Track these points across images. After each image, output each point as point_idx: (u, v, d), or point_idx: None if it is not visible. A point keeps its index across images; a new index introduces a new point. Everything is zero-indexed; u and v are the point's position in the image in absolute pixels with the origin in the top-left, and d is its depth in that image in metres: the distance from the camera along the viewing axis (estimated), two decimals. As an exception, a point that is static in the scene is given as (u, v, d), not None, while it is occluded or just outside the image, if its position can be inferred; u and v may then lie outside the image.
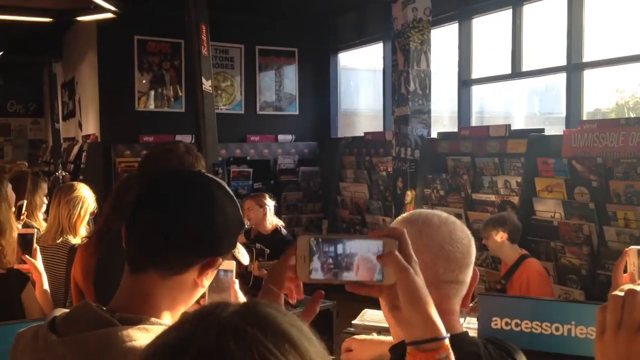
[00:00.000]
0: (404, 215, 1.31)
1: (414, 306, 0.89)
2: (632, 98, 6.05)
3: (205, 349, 0.64)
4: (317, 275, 0.93)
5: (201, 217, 1.14)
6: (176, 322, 0.70)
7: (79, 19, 7.47)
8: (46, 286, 2.69)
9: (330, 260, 0.92)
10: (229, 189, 1.23)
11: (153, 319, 1.09)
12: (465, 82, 7.03)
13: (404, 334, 0.91)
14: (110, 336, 1.02)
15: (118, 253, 1.89)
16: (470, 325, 3.01)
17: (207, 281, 1.19)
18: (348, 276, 0.92)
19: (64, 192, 3.40)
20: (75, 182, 3.62)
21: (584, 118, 5.68)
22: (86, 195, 3.43)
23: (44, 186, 4.01)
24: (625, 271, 1.30)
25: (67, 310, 1.13)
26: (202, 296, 1.67)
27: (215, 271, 1.21)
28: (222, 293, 1.63)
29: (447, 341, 0.90)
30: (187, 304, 1.20)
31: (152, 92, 8.50)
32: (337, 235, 0.94)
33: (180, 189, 1.18)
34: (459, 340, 1.13)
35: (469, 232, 1.27)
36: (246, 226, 4.75)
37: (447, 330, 1.13)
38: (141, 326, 1.05)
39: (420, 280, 0.90)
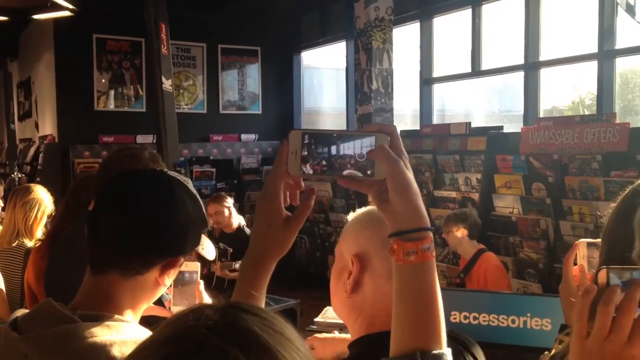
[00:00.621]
0: (366, 211, 1.27)
1: (402, 197, 0.88)
2: (588, 95, 6.22)
3: None
4: (309, 170, 0.91)
5: (162, 216, 1.14)
6: (150, 343, 0.65)
7: (35, 17, 7.29)
8: (1, 286, 2.64)
9: (322, 155, 0.91)
10: (191, 187, 1.23)
11: (115, 316, 1.09)
12: (426, 81, 7.12)
13: (390, 226, 0.90)
14: (71, 332, 1.02)
15: (70, 254, 1.87)
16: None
17: (168, 280, 1.19)
18: (339, 171, 0.91)
19: (20, 194, 3.33)
20: (31, 184, 3.54)
21: (541, 115, 5.82)
22: (43, 198, 3.36)
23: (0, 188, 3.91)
24: (575, 264, 1.35)
25: (27, 310, 1.12)
26: (165, 297, 1.67)
27: (178, 270, 1.21)
28: (187, 294, 1.62)
29: (431, 234, 0.90)
30: (149, 302, 1.20)
31: (112, 92, 8.36)
32: (329, 130, 0.93)
33: (140, 188, 1.18)
34: None
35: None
36: (209, 227, 4.72)
37: None
38: (103, 323, 1.05)
39: (410, 173, 0.90)
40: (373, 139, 0.90)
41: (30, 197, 3.29)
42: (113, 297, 1.13)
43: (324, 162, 0.91)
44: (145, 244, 1.13)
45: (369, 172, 0.90)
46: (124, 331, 1.06)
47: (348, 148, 0.91)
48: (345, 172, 0.91)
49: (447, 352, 0.89)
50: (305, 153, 0.91)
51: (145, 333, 1.10)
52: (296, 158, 0.92)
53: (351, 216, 1.29)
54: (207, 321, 0.63)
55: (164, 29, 5.58)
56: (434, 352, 0.87)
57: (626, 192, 1.15)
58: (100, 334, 1.03)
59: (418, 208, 0.90)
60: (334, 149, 0.91)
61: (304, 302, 5.69)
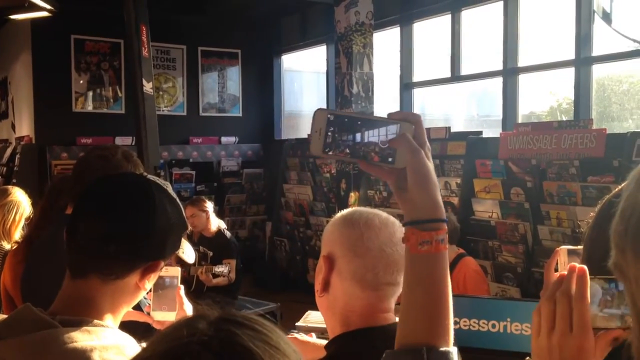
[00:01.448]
0: (344, 213, 1.29)
1: (421, 187, 0.88)
2: (565, 100, 6.31)
3: None
4: (331, 150, 0.90)
5: (141, 221, 1.14)
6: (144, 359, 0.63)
7: (12, 17, 7.18)
8: None
9: (345, 138, 0.90)
10: (171, 191, 1.23)
11: (95, 321, 1.09)
12: (407, 85, 7.16)
13: (407, 214, 0.90)
14: (51, 338, 1.01)
15: (47, 259, 1.85)
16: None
17: (149, 284, 1.20)
18: (361, 155, 0.90)
19: None
20: (9, 187, 3.49)
21: (520, 121, 5.89)
22: (21, 200, 3.31)
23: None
24: (556, 270, 1.36)
25: (5, 316, 1.10)
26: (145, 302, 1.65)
27: (158, 274, 1.21)
28: (167, 299, 1.61)
29: (446, 226, 0.90)
30: (129, 306, 1.20)
31: (90, 93, 8.27)
32: (355, 113, 0.93)
33: (119, 193, 1.18)
34: (393, 329, 1.15)
35: None
36: (188, 230, 4.69)
37: (383, 322, 1.15)
38: (83, 328, 1.05)
39: (430, 164, 0.90)
40: (397, 126, 0.90)
41: (8, 200, 3.24)
42: (93, 301, 1.12)
43: (346, 145, 0.90)
44: (125, 249, 1.13)
45: (390, 159, 0.90)
46: (104, 336, 1.06)
47: (371, 133, 0.90)
48: (366, 157, 0.90)
49: (453, 350, 0.88)
50: (329, 133, 0.90)
51: (126, 338, 1.10)
52: (319, 138, 0.91)
53: (335, 221, 1.31)
54: (202, 337, 0.62)
55: (144, 31, 5.53)
56: (441, 349, 0.86)
57: (604, 201, 1.16)
58: (81, 339, 1.02)
59: (435, 199, 0.90)
60: (357, 133, 0.90)
61: (284, 306, 5.69)
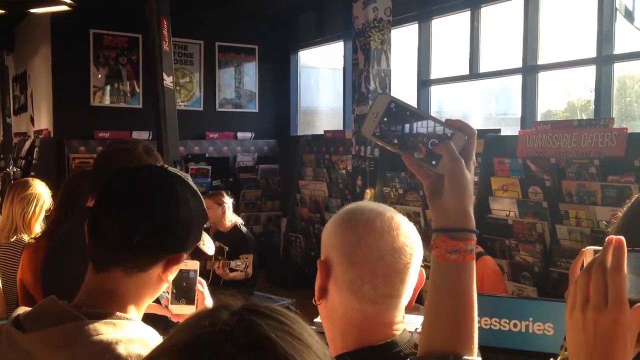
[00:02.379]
0: (345, 210, 1.17)
1: (456, 195, 0.89)
2: (584, 99, 6.24)
3: None
4: (381, 136, 0.92)
5: (165, 214, 1.15)
6: (165, 349, 0.63)
7: (32, 11, 7.24)
8: None
9: (398, 128, 0.91)
10: (191, 183, 1.23)
11: (119, 314, 1.09)
12: (424, 82, 7.12)
13: (436, 221, 0.90)
14: (77, 330, 1.01)
15: (68, 253, 1.85)
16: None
17: (171, 275, 1.20)
18: (408, 148, 0.91)
19: (18, 188, 3.30)
20: (30, 179, 3.51)
21: (538, 119, 5.83)
22: (41, 192, 3.33)
23: (-5, 182, 3.89)
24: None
25: (29, 308, 1.11)
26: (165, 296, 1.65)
27: (180, 265, 1.21)
28: (186, 292, 1.61)
29: (475, 237, 0.89)
30: (152, 297, 1.21)
31: (108, 87, 8.33)
32: (416, 109, 0.93)
33: (142, 186, 1.18)
34: (394, 346, 1.09)
35: (415, 235, 1.13)
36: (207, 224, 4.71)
37: (384, 339, 1.08)
38: (108, 320, 1.05)
39: (470, 175, 0.90)
40: (450, 133, 0.91)
41: (29, 192, 3.26)
42: (117, 294, 1.13)
43: (396, 135, 0.91)
44: (149, 242, 1.13)
45: (433, 162, 0.91)
46: (129, 329, 1.06)
47: (424, 132, 0.91)
48: (412, 152, 0.91)
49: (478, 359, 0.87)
50: (385, 119, 0.91)
51: (150, 331, 1.10)
52: (374, 120, 0.92)
53: (334, 221, 1.18)
54: (224, 327, 0.61)
55: (165, 25, 5.54)
56: (465, 357, 0.85)
57: (633, 200, 1.14)
58: (106, 331, 1.02)
59: (468, 210, 0.89)
60: (411, 127, 0.91)
61: (299, 302, 5.69)
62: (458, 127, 0.91)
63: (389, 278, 1.08)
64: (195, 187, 1.23)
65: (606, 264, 0.79)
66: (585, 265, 1.15)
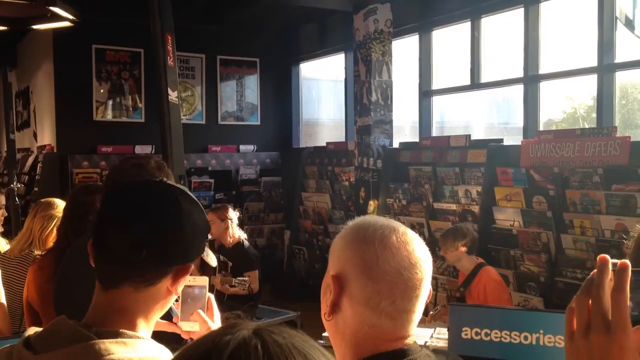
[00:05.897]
0: (354, 225, 1.17)
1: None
2: (586, 107, 6.24)
3: None
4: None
5: (171, 227, 1.15)
6: None
7: (35, 27, 7.27)
8: (2, 300, 2.61)
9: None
10: (192, 195, 1.24)
11: (130, 332, 1.09)
12: (426, 93, 7.14)
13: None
14: (88, 350, 1.01)
15: (78, 269, 1.85)
16: (440, 335, 3.04)
17: (180, 287, 1.20)
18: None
19: (43, 207, 3.33)
20: (54, 199, 3.52)
21: (540, 128, 5.83)
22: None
23: (1, 198, 3.89)
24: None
25: (39, 328, 1.11)
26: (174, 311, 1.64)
27: (187, 277, 1.21)
28: (195, 309, 1.60)
29: None
30: (162, 311, 1.21)
31: (111, 102, 8.35)
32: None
33: (146, 200, 1.18)
34: (407, 352, 1.10)
35: (426, 249, 1.15)
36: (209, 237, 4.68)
37: (399, 346, 1.07)
38: (119, 339, 1.05)
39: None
40: None
41: (52, 212, 3.27)
42: (127, 311, 1.13)
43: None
44: (156, 256, 1.13)
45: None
46: (141, 348, 1.06)
47: None
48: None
49: None
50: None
51: (162, 349, 1.10)
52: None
53: (345, 235, 1.17)
54: (239, 338, 0.64)
55: (170, 40, 5.56)
56: None
57: None
58: (118, 351, 1.02)
59: None
60: None
61: (304, 314, 5.67)
62: None
63: (406, 294, 1.09)
64: (196, 198, 1.24)
65: (605, 286, 0.77)
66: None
